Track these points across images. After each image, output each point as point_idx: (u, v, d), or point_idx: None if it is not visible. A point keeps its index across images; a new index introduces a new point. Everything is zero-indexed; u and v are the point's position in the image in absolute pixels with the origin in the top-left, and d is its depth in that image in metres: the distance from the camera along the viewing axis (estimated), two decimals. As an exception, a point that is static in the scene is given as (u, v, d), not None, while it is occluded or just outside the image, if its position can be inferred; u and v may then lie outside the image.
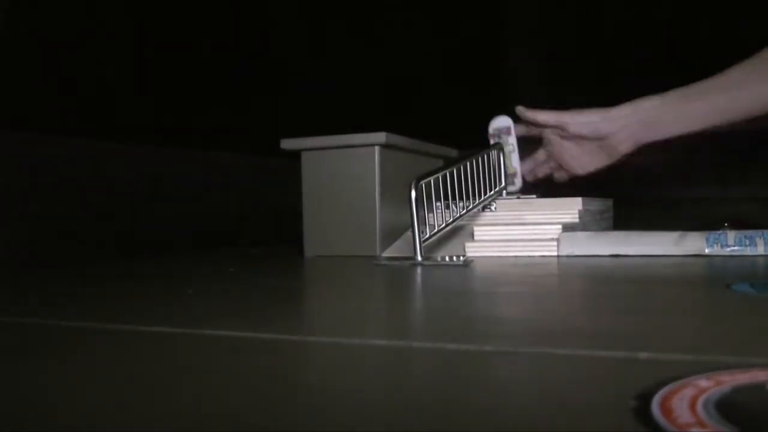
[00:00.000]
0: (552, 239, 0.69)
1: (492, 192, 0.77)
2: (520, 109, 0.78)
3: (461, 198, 0.71)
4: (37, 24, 0.84)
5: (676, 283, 0.49)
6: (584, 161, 0.76)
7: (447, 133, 1.00)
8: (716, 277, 0.52)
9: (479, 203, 0.74)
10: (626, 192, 0.97)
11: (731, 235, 0.62)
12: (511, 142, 0.80)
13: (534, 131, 0.79)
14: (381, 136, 0.77)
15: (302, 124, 0.89)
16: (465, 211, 0.72)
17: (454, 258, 0.66)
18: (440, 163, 0.76)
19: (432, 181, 0.67)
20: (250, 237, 1.08)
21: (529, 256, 0.68)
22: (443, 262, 0.65)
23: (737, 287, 0.42)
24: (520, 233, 0.71)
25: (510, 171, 0.79)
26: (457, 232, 0.74)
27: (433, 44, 1.45)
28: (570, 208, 0.73)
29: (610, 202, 0.90)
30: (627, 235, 0.67)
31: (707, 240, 0.62)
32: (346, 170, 0.79)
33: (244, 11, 1.18)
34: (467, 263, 0.63)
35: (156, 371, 0.26)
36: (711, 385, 0.20)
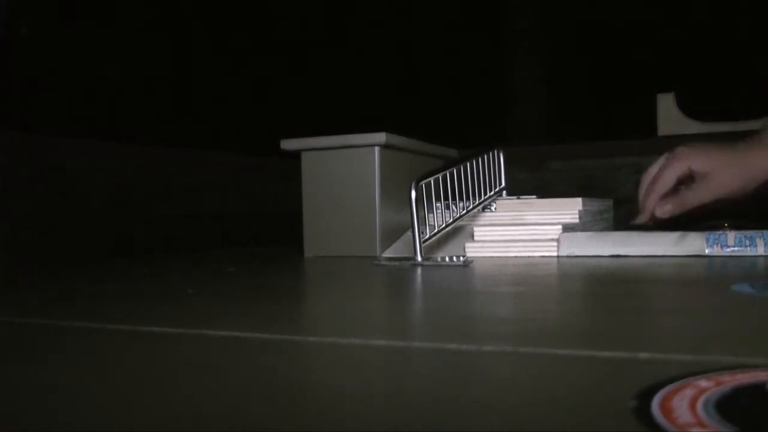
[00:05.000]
0: (552, 239, 0.69)
1: (492, 192, 0.77)
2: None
3: (461, 198, 0.71)
4: (37, 24, 0.84)
5: (676, 283, 0.49)
6: None
7: (447, 133, 1.00)
8: (716, 277, 0.52)
9: (479, 203, 0.74)
10: (626, 192, 0.97)
11: (731, 235, 0.62)
12: None
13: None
14: (381, 136, 0.77)
15: (302, 124, 0.89)
16: (465, 211, 0.72)
17: (454, 258, 0.66)
18: (440, 163, 0.76)
19: (432, 182, 0.67)
20: (250, 237, 1.08)
21: (529, 257, 0.68)
22: (443, 263, 0.64)
23: (737, 287, 0.42)
24: (520, 233, 0.71)
25: None
26: (457, 232, 0.74)
27: (433, 44, 1.45)
28: (570, 208, 0.73)
29: (610, 202, 0.90)
30: (627, 235, 0.67)
31: (707, 240, 0.62)
32: (346, 170, 0.79)
33: (245, 11, 1.18)
34: (467, 263, 0.63)
35: (156, 371, 0.26)
36: (711, 385, 0.20)
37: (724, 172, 0.70)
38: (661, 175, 0.73)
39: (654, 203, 0.72)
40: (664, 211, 0.72)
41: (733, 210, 0.70)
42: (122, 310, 0.42)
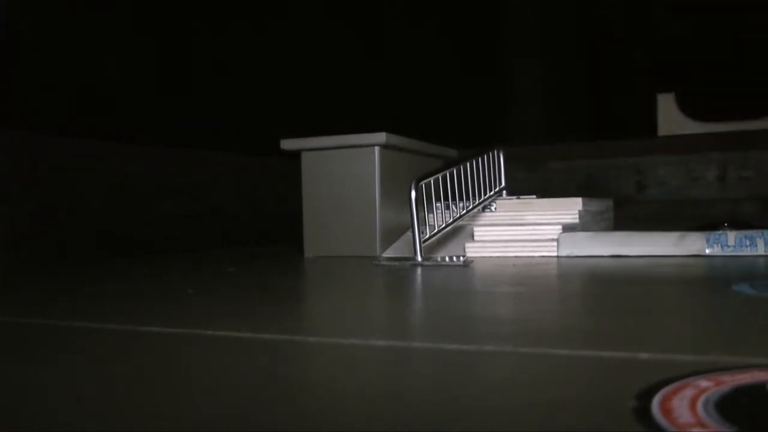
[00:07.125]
0: (552, 239, 0.69)
1: (492, 192, 0.77)
2: None
3: (461, 198, 0.71)
4: (37, 24, 0.84)
5: (676, 284, 0.49)
6: None
7: (447, 133, 1.00)
8: (716, 277, 0.52)
9: (479, 203, 0.74)
10: (626, 192, 0.97)
11: (731, 235, 0.62)
12: None
13: None
14: (381, 136, 0.77)
15: (302, 124, 0.89)
16: (465, 211, 0.72)
17: (454, 258, 0.66)
18: (440, 163, 0.76)
19: (432, 182, 0.67)
20: (250, 237, 1.08)
21: (529, 257, 0.68)
22: (443, 263, 0.65)
23: (737, 287, 0.42)
24: (520, 233, 0.71)
25: None
26: (457, 232, 0.74)
27: (433, 45, 1.45)
28: (570, 208, 0.73)
29: (610, 202, 0.90)
30: (627, 235, 0.67)
31: (707, 240, 0.62)
32: (346, 170, 0.79)
33: (245, 12, 1.18)
34: (467, 263, 0.63)
35: (156, 371, 0.26)
36: (711, 385, 0.20)
37: None
38: None
39: None
40: None
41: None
42: (122, 310, 0.42)
